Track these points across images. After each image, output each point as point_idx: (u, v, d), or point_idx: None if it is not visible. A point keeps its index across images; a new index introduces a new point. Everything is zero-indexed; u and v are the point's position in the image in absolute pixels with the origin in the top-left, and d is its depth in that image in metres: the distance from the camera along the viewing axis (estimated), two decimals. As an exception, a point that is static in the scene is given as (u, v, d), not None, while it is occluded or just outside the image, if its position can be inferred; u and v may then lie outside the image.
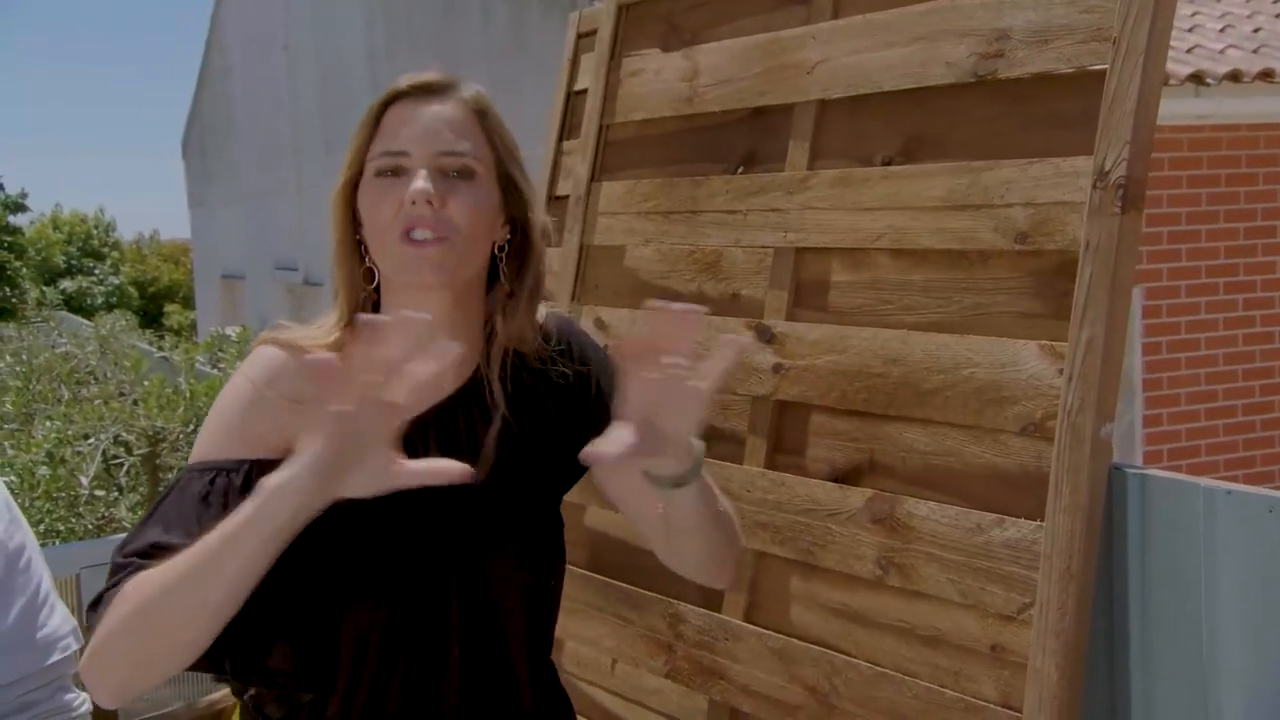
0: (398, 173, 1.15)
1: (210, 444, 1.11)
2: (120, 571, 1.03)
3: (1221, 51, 5.83)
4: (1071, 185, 1.30)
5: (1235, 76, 5.54)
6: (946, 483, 1.39)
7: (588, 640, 1.84)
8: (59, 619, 1.44)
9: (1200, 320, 5.99)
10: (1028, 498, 1.30)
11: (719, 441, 1.69)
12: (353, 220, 1.18)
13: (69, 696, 1.44)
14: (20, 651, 1.38)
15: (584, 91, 2.12)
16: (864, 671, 1.43)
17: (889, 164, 1.52)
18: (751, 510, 1.60)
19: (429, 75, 1.18)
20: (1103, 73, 1.28)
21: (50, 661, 1.41)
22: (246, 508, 0.95)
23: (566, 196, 2.11)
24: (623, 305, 1.90)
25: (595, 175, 2.01)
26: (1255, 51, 5.90)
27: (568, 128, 2.16)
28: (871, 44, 1.55)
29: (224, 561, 0.95)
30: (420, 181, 1.14)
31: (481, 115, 1.19)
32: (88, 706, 1.45)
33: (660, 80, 1.90)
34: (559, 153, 2.15)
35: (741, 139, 1.76)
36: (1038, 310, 1.34)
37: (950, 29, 1.45)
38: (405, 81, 1.17)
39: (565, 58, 2.17)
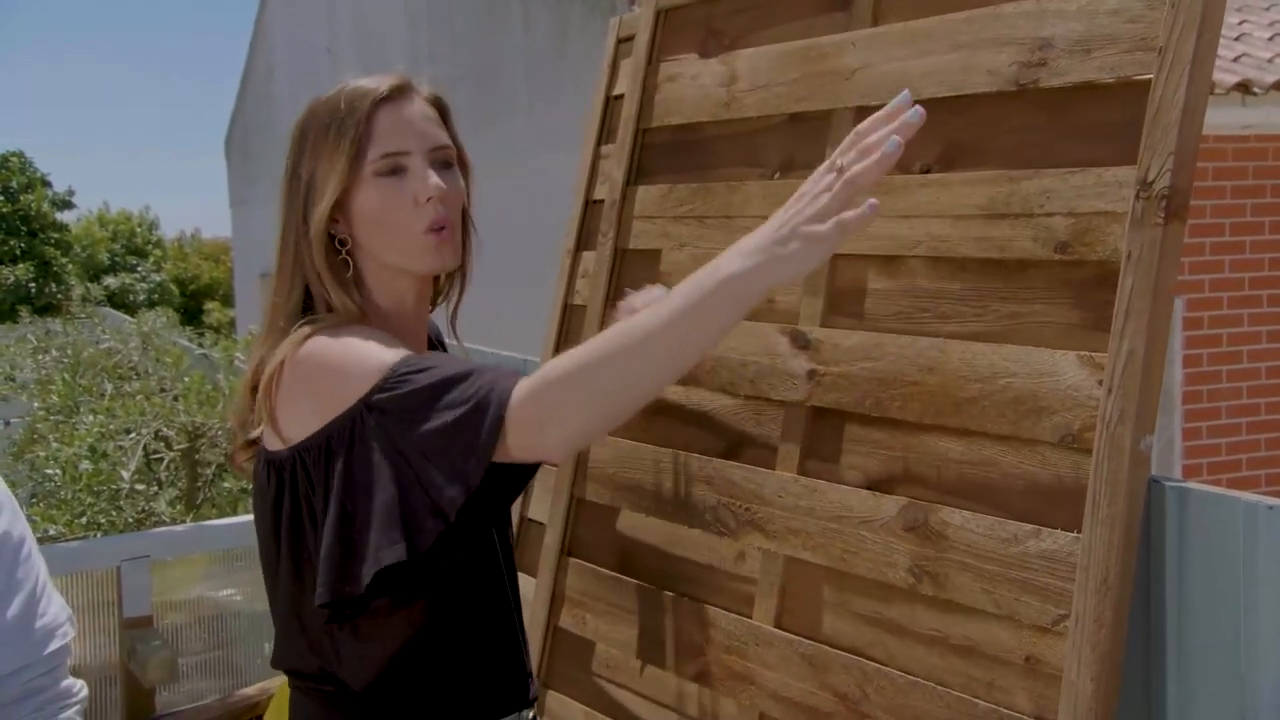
0: (397, 172, 1.25)
1: (378, 353, 1.15)
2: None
3: (1270, 60, 5.75)
4: (1113, 195, 1.29)
5: (1283, 86, 5.46)
6: (982, 493, 1.39)
7: (618, 643, 1.84)
8: (56, 607, 1.46)
9: (1242, 333, 5.90)
10: (1064, 509, 1.29)
11: (751, 446, 1.69)
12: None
13: (67, 683, 1.46)
14: (22, 642, 1.41)
15: (623, 96, 2.12)
16: (896, 680, 1.43)
17: (928, 172, 1.52)
18: (783, 516, 1.59)
19: (398, 77, 1.27)
20: (1147, 82, 1.27)
21: (50, 650, 1.43)
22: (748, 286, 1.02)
23: (603, 201, 2.12)
24: (658, 309, 1.90)
25: (631, 179, 2.01)
26: (1304, 61, 5.81)
27: (606, 132, 2.16)
28: (911, 51, 1.55)
29: (717, 318, 1.04)
30: (434, 177, 1.26)
31: (444, 110, 1.32)
32: (85, 693, 1.48)
33: (697, 85, 1.90)
34: (597, 157, 2.15)
35: (779, 144, 1.76)
36: (1077, 321, 1.33)
37: (991, 37, 1.45)
38: (384, 85, 1.26)
39: (605, 63, 2.18)
